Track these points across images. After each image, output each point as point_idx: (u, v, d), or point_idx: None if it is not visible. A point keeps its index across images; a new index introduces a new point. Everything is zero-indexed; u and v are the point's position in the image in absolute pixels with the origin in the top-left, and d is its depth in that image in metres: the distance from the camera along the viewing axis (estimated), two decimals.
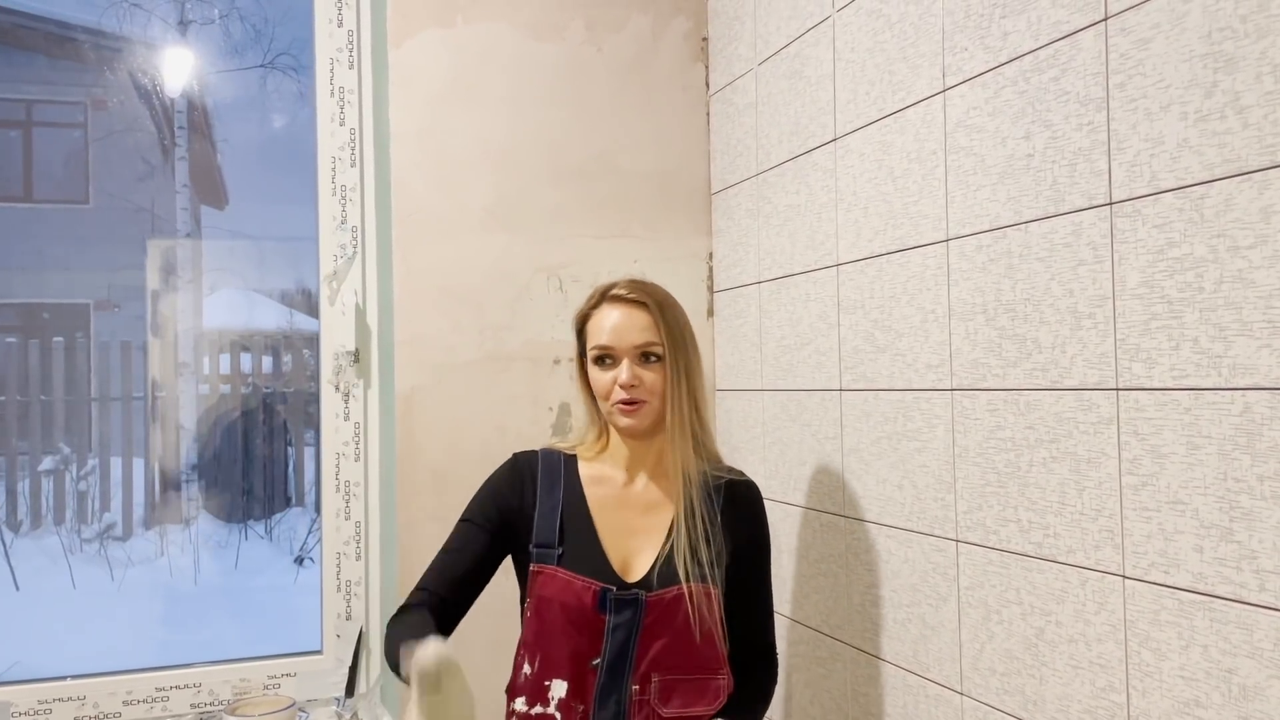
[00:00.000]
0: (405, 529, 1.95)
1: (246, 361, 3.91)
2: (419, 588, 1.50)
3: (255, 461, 4.12)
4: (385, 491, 2.03)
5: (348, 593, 2.05)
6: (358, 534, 2.06)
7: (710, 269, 2.18)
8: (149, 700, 1.94)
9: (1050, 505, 1.24)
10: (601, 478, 1.52)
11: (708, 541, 1.46)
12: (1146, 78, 1.11)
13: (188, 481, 3.98)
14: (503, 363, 2.02)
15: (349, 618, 2.05)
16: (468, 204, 2.02)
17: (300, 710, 2.00)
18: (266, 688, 2.01)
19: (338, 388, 2.05)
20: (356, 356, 2.04)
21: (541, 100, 2.08)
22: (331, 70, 2.07)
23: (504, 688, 1.53)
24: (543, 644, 1.44)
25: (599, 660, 1.41)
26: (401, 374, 1.97)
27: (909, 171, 1.51)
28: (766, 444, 1.93)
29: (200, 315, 3.65)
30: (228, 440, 3.98)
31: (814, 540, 1.76)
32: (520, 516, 1.50)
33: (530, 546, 1.48)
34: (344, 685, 2.02)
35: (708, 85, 2.19)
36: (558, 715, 1.41)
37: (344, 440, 2.06)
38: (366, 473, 2.06)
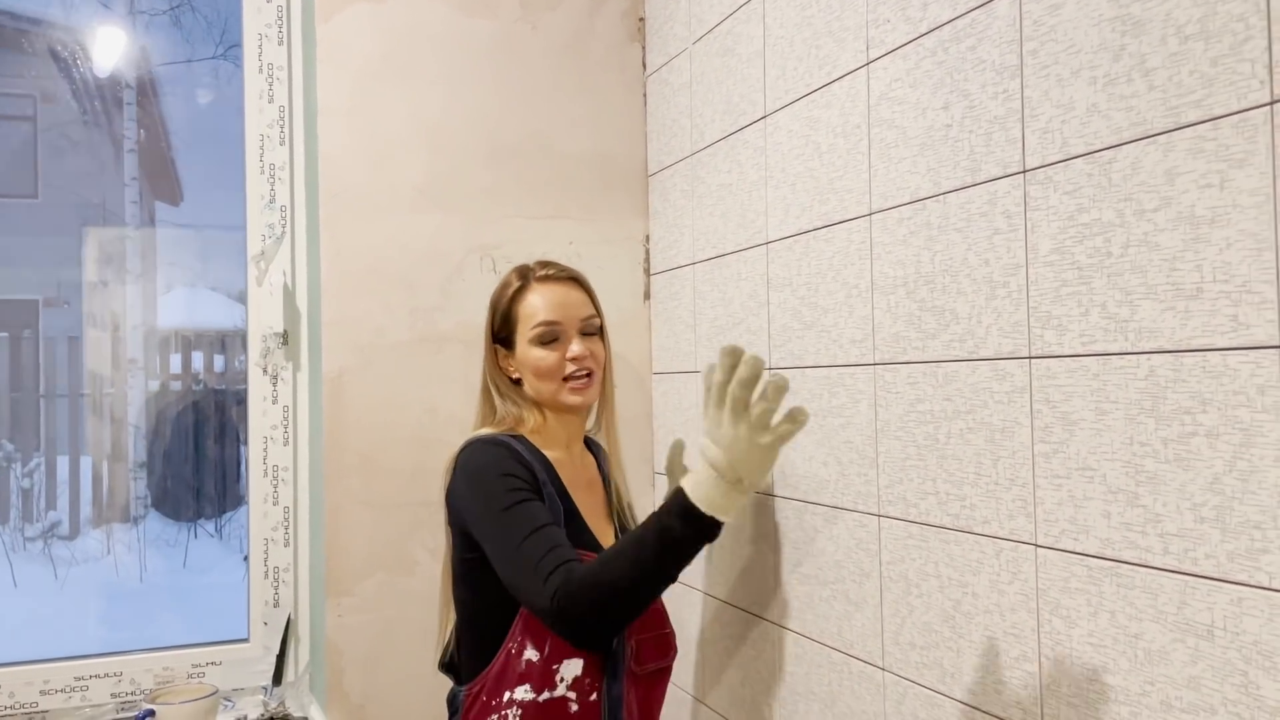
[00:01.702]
0: (332, 513, 1.91)
1: (198, 359, 3.85)
2: (553, 570, 1.26)
3: (206, 460, 4.06)
4: (315, 476, 1.99)
5: (275, 579, 2.01)
6: (286, 520, 2.02)
7: (647, 251, 2.16)
8: (67, 690, 1.89)
9: (967, 476, 1.23)
10: (558, 460, 1.49)
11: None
12: (1058, 44, 1.10)
13: (136, 479, 3.91)
14: (434, 344, 1.99)
15: (277, 605, 2.01)
16: (399, 183, 1.98)
17: (225, 700, 1.96)
18: (190, 676, 1.97)
19: (265, 370, 2.01)
20: (285, 338, 2.00)
21: (474, 78, 2.05)
22: (260, 46, 2.03)
23: (464, 676, 1.47)
24: None
25: None
26: (329, 355, 1.93)
27: (834, 146, 1.50)
28: (701, 427, 1.91)
29: (151, 311, 3.59)
30: (178, 438, 3.91)
31: (744, 521, 1.75)
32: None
33: None
34: (271, 674, 1.98)
35: (644, 66, 2.17)
36: (571, 695, 1.38)
37: (272, 424, 2.02)
38: (295, 457, 2.02)
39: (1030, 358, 1.14)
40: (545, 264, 1.54)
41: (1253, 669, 0.89)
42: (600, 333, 1.53)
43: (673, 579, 1.27)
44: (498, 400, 1.54)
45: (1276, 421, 0.87)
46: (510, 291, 1.53)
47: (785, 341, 1.63)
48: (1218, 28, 0.93)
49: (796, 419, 1.20)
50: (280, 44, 2.04)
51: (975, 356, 1.22)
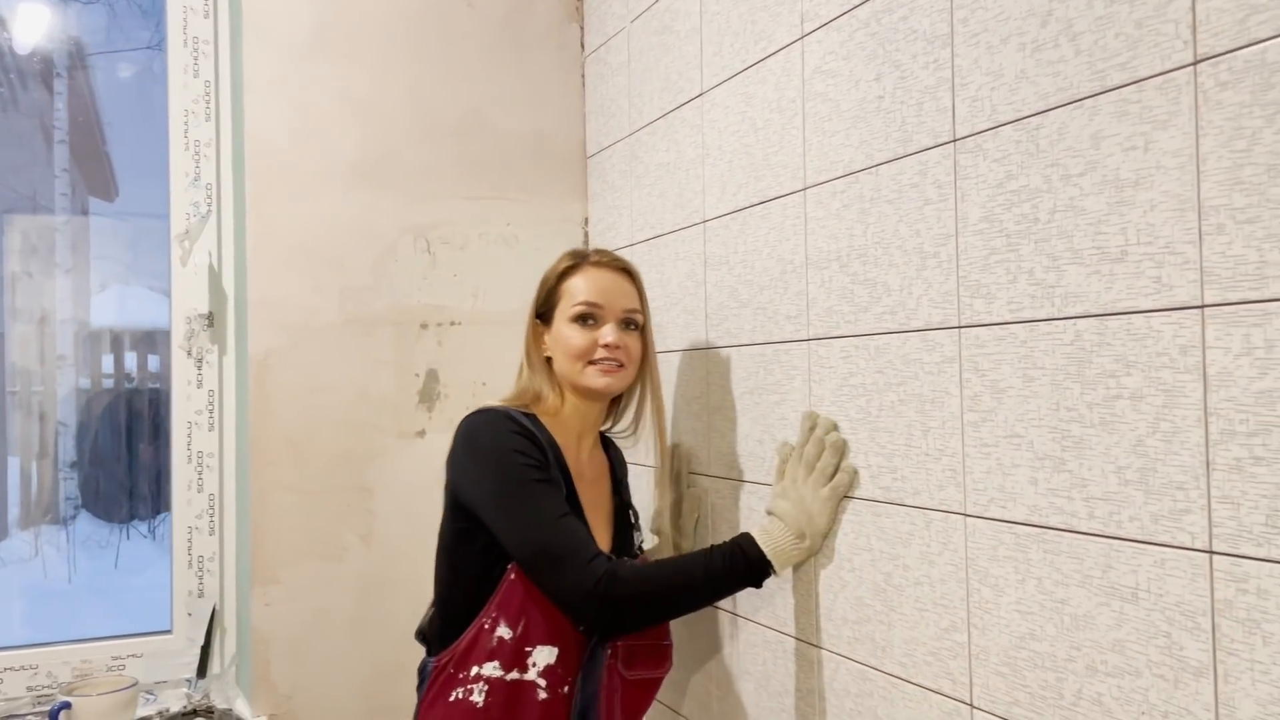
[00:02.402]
0: (259, 500, 1.85)
1: (131, 359, 3.76)
2: (595, 555, 1.29)
3: (138, 459, 3.96)
4: (241, 462, 1.93)
5: (200, 569, 1.95)
6: (211, 507, 1.96)
7: (586, 234, 2.14)
8: None
9: (898, 448, 1.23)
10: (565, 446, 1.45)
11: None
12: (988, 10, 1.10)
13: (66, 480, 3.81)
14: (365, 326, 1.94)
15: (201, 595, 1.95)
16: (329, 160, 1.93)
17: (147, 693, 1.89)
18: (110, 669, 1.90)
19: (189, 353, 1.95)
20: (210, 320, 1.94)
21: (408, 54, 2.00)
22: (185, 18, 1.97)
23: (434, 647, 1.42)
24: (534, 609, 1.34)
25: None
26: (255, 336, 1.87)
27: (770, 122, 1.49)
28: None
29: (82, 307, 3.49)
30: (110, 437, 3.81)
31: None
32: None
33: None
34: (195, 666, 1.92)
35: (583, 46, 2.14)
36: (541, 682, 1.35)
37: (196, 409, 1.95)
38: (221, 443, 1.97)
39: (960, 327, 1.13)
40: (601, 251, 1.53)
41: (1176, 630, 0.89)
42: (642, 331, 1.50)
43: (704, 606, 1.39)
44: (526, 373, 1.52)
45: (1198, 382, 0.87)
46: (560, 269, 1.51)
47: (721, 320, 1.61)
48: None
49: (847, 470, 1.31)
50: (206, 17, 1.98)
51: (906, 328, 1.22)
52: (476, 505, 1.35)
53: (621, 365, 1.46)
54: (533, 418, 1.42)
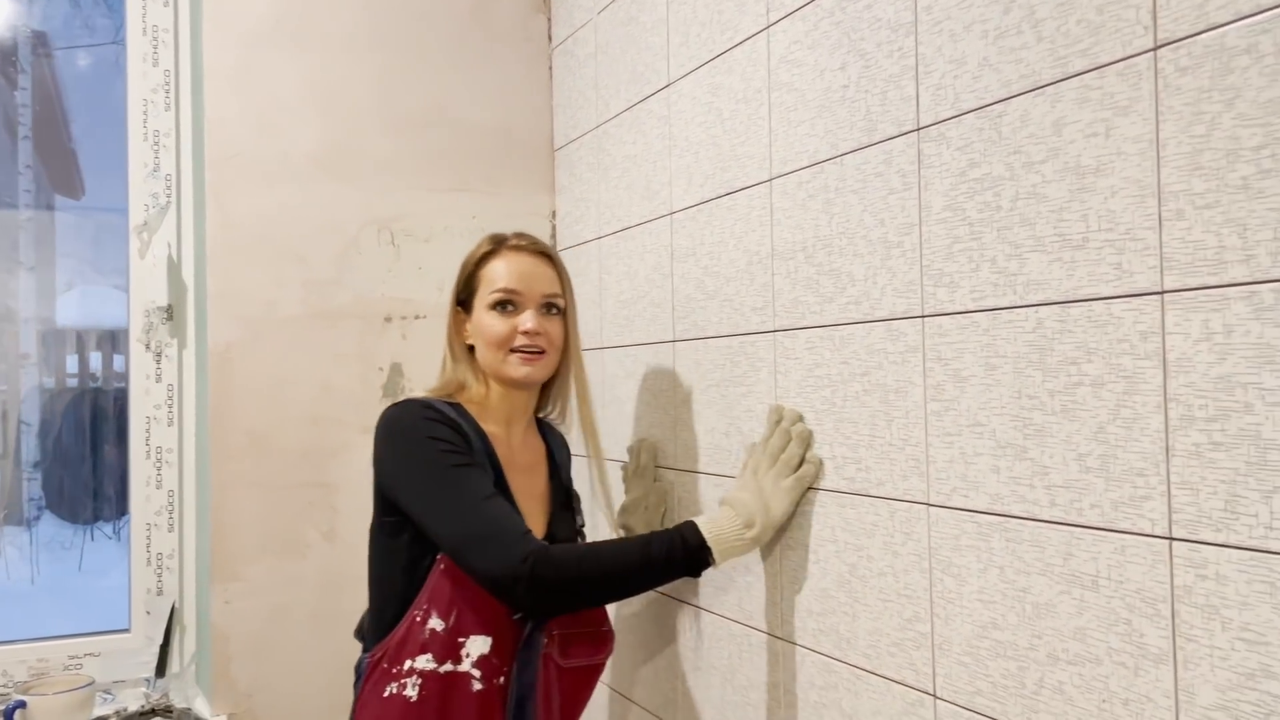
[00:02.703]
0: (219, 495, 1.82)
1: (96, 359, 3.71)
2: (524, 533, 1.26)
3: (104, 460, 3.89)
4: (201, 457, 1.90)
5: (159, 566, 1.92)
6: (170, 503, 1.92)
7: (554, 227, 2.12)
8: None
9: (862, 439, 1.22)
10: (494, 435, 1.42)
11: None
12: None
13: (29, 480, 3.75)
14: (329, 319, 1.92)
15: (160, 593, 1.91)
16: (291, 151, 1.91)
17: (105, 693, 1.86)
18: (67, 668, 1.86)
19: (148, 346, 1.92)
20: (169, 313, 1.91)
21: (372, 45, 1.98)
22: (144, 6, 1.94)
23: (368, 644, 1.40)
24: (464, 599, 1.32)
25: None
26: (216, 329, 1.84)
27: (736, 112, 1.48)
28: (605, 403, 1.88)
29: (47, 305, 3.43)
30: (74, 438, 3.75)
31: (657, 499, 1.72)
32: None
33: None
34: (154, 665, 1.89)
35: (550, 38, 2.13)
36: (475, 673, 1.32)
37: (155, 403, 1.92)
38: (181, 438, 1.93)
39: (923, 316, 1.13)
40: (521, 235, 1.49)
41: (1136, 617, 0.89)
42: (563, 315, 1.47)
43: (639, 591, 1.33)
44: (449, 364, 1.49)
45: (1158, 368, 0.87)
46: (479, 254, 1.48)
47: (689, 313, 1.60)
48: None
49: (813, 461, 1.31)
50: (166, 5, 1.94)
51: (870, 318, 1.21)
52: (399, 497, 1.32)
53: (542, 352, 1.43)
54: (457, 407, 1.40)
